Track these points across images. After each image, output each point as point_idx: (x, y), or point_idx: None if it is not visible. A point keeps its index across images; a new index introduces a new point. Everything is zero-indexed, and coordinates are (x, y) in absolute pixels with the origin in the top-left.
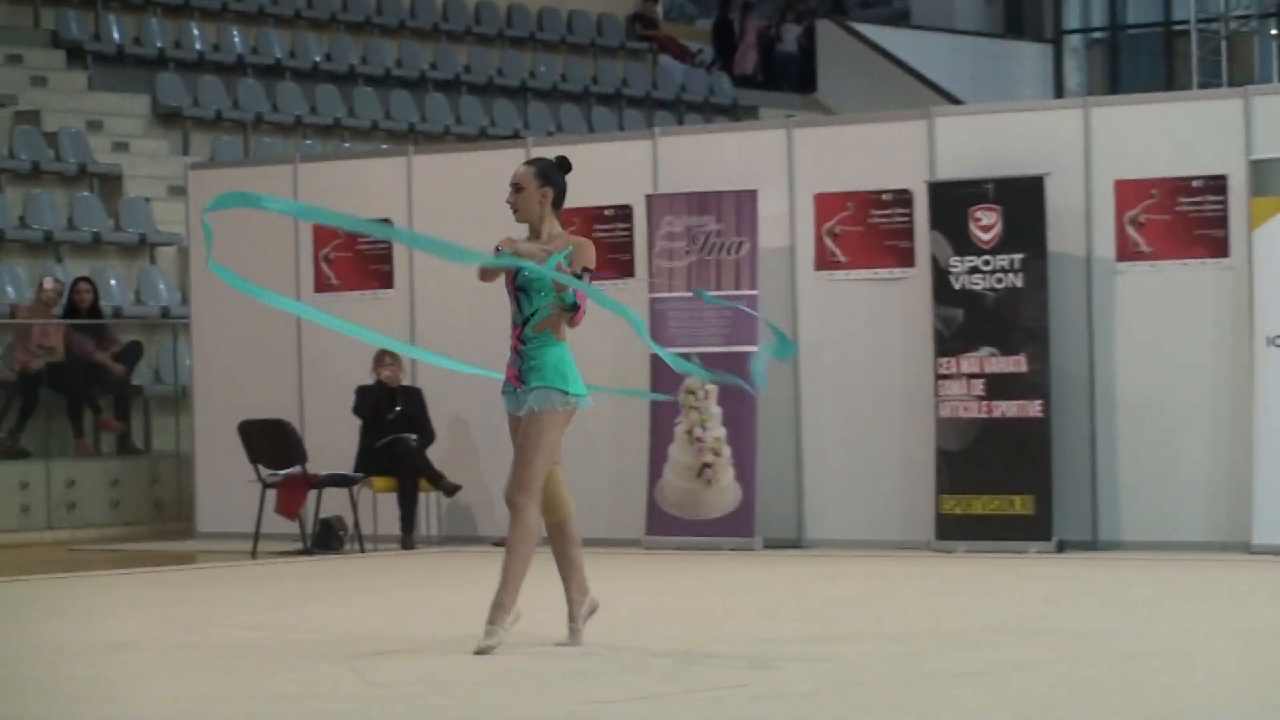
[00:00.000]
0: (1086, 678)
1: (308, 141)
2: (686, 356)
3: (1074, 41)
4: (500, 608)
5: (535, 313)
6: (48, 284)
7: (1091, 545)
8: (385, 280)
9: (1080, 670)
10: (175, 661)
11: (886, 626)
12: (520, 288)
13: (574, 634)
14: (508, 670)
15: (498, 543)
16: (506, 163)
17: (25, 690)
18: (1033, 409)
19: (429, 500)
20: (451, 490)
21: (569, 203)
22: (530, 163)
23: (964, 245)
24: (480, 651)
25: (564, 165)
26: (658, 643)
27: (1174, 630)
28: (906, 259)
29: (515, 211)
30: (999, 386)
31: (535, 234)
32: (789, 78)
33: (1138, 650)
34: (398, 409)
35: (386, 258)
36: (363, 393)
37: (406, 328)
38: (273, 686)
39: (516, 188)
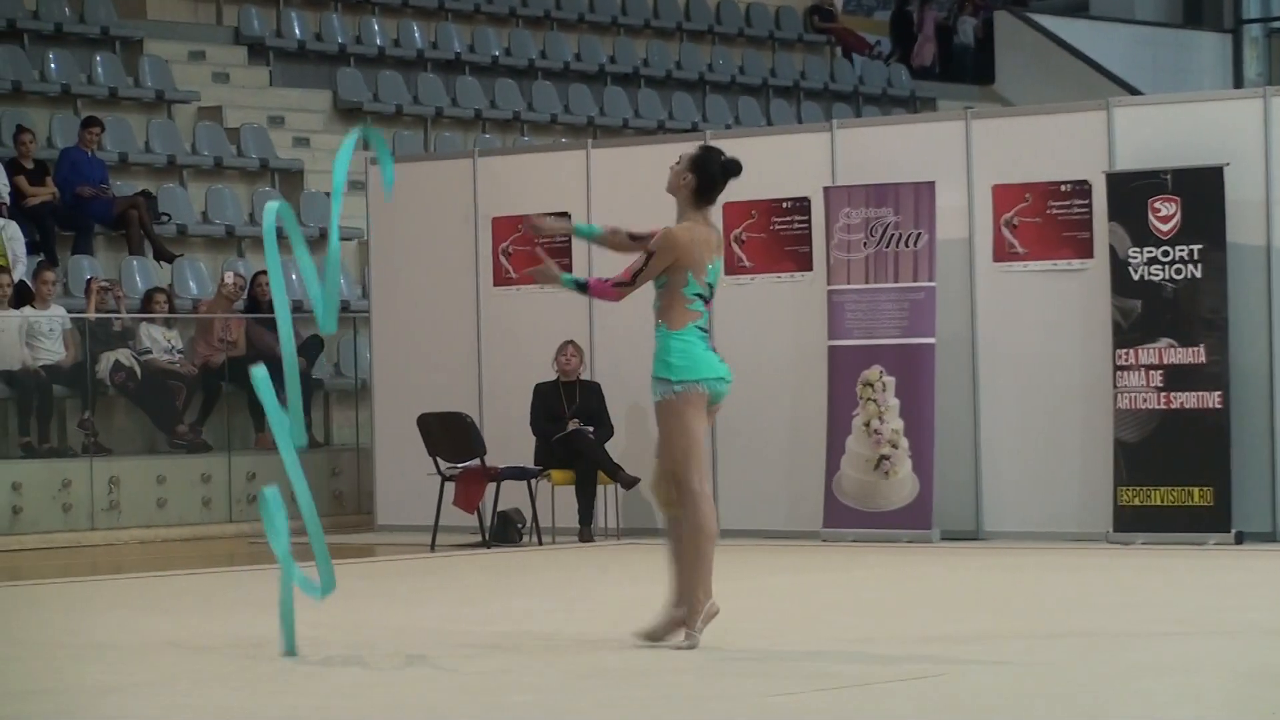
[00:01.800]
0: (1273, 668)
1: (487, 135)
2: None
3: (1254, 31)
4: (695, 604)
5: (655, 303)
6: (229, 278)
7: (1271, 537)
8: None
9: (1266, 661)
10: (357, 652)
11: (1072, 619)
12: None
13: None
14: (692, 662)
15: None
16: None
17: (215, 682)
18: (1211, 400)
19: (607, 493)
20: (630, 483)
21: (746, 195)
22: (703, 147)
23: (1142, 236)
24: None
25: (728, 166)
26: (836, 634)
27: None
28: (1085, 250)
29: (669, 183)
30: (1178, 378)
31: (679, 213)
32: (967, 69)
33: None
34: (576, 405)
35: (565, 251)
36: (539, 395)
37: (585, 321)
38: (453, 679)
39: (677, 160)
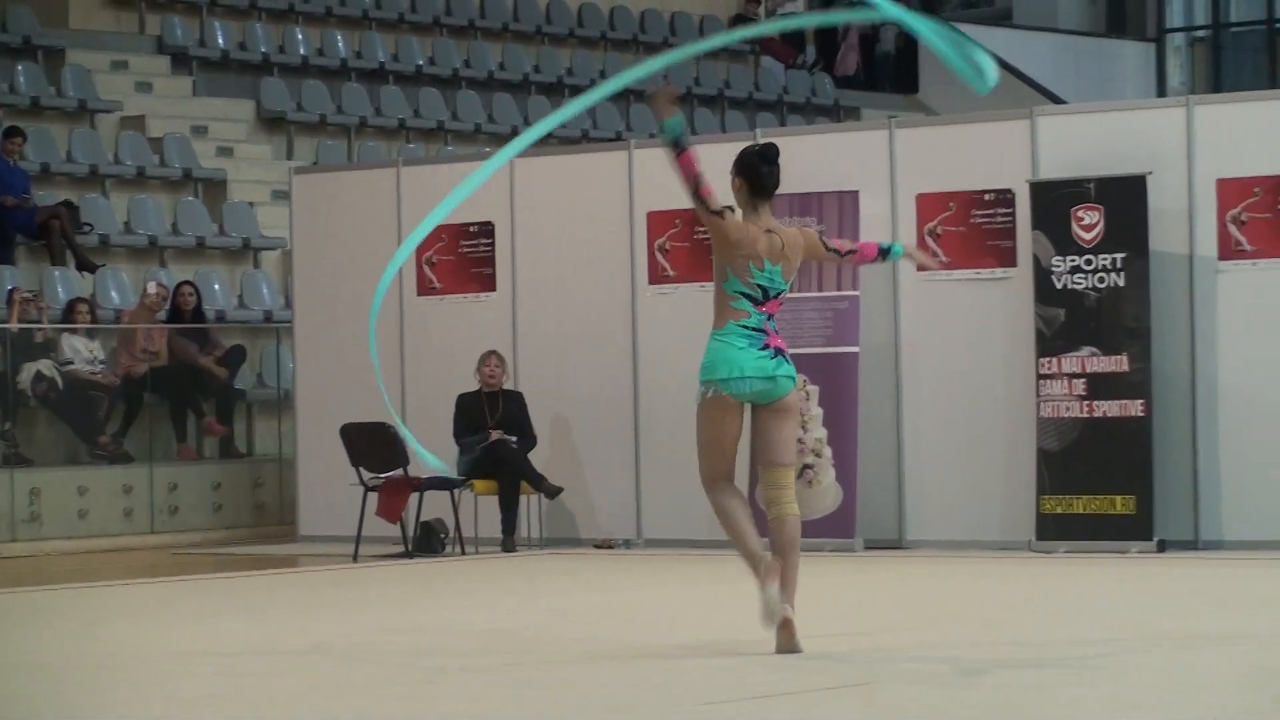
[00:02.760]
0: (1201, 677)
1: (410, 145)
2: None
3: (1177, 40)
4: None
5: None
6: (151, 289)
7: (1193, 545)
8: (487, 283)
9: (1196, 671)
10: (283, 664)
11: (994, 626)
12: None
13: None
14: (636, 673)
15: (599, 545)
16: (608, 165)
17: (137, 693)
18: (1134, 409)
19: (530, 503)
20: (553, 493)
21: (671, 205)
22: (742, 150)
23: (1066, 245)
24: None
25: (763, 153)
26: (757, 644)
27: None
28: (1008, 259)
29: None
30: (1100, 386)
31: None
32: (891, 78)
33: (1249, 650)
34: (498, 415)
35: (489, 260)
36: (461, 405)
37: (508, 331)
38: (377, 690)
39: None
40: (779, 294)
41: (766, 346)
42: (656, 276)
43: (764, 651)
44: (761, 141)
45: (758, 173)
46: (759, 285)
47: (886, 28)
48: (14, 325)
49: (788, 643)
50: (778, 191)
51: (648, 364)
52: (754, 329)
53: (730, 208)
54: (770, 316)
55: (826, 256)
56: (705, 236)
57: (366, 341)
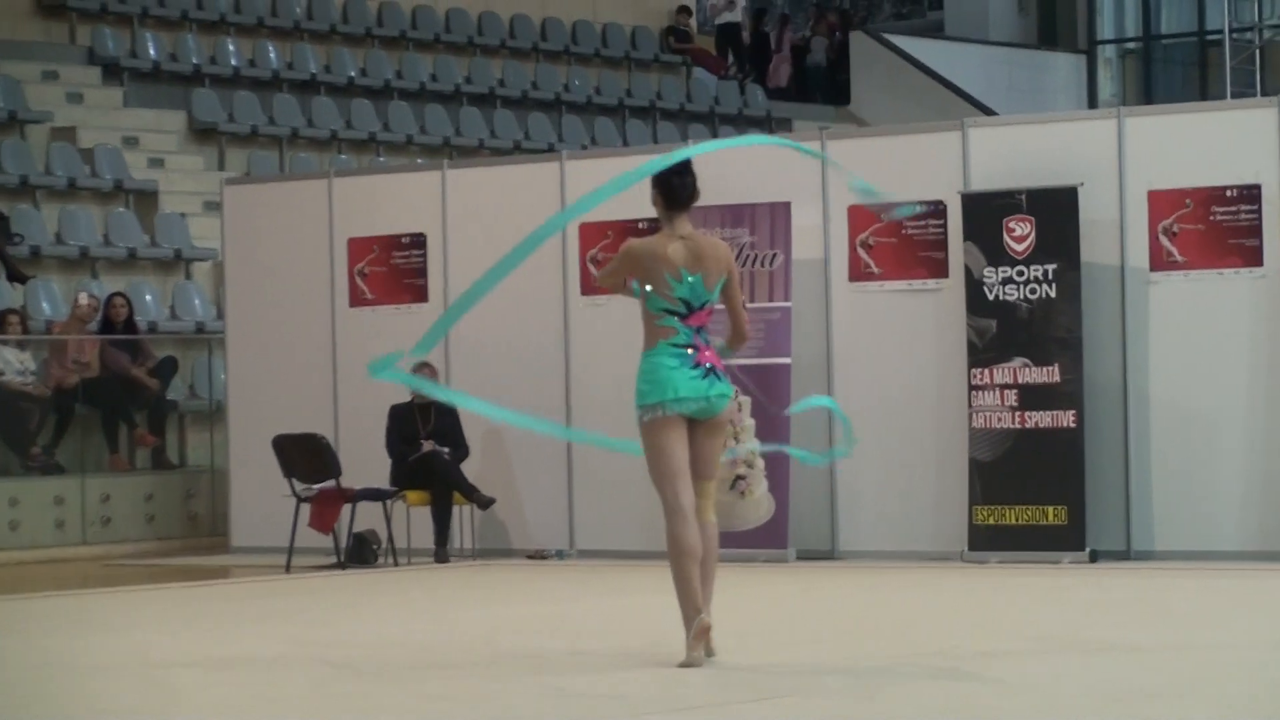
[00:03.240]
0: (1134, 687)
1: (342, 156)
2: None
3: (1107, 52)
4: (685, 623)
5: None
6: (83, 300)
7: (1125, 555)
8: (420, 294)
9: (1126, 681)
10: (212, 676)
11: (928, 638)
12: None
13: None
14: (564, 683)
15: (532, 556)
16: (541, 176)
17: (63, 705)
18: (1066, 419)
19: (463, 514)
20: (485, 504)
21: (599, 216)
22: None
23: (997, 256)
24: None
25: (680, 168)
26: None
27: (1216, 640)
28: (940, 270)
29: None
30: (1032, 397)
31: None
32: (822, 90)
33: (1181, 660)
34: (431, 426)
35: (421, 272)
36: (394, 416)
37: (440, 342)
38: (305, 700)
39: None
40: (705, 304)
41: (698, 364)
42: (589, 288)
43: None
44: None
45: (669, 184)
46: (681, 299)
47: (818, 39)
48: None
49: (704, 649)
50: (710, 202)
51: (580, 375)
52: (684, 345)
53: (613, 274)
54: (700, 329)
55: (735, 295)
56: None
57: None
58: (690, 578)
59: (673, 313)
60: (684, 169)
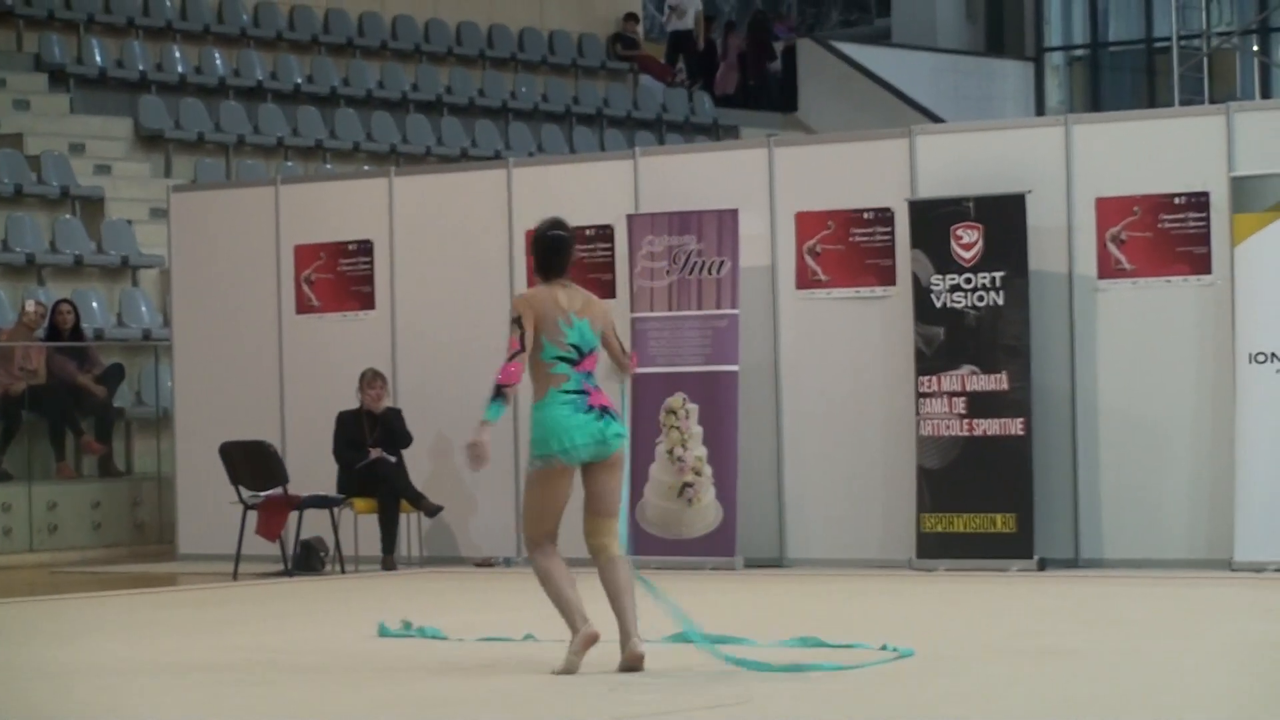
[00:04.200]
0: (1081, 695)
1: (289, 163)
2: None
3: (1055, 59)
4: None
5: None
6: (30, 306)
7: (1073, 563)
8: (367, 301)
9: (1074, 688)
10: (160, 683)
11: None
12: None
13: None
14: (506, 692)
15: (480, 563)
16: (487, 183)
17: (9, 713)
18: (1014, 427)
19: (410, 521)
20: (433, 511)
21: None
22: (539, 225)
23: (945, 263)
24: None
25: (555, 243)
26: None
27: (1163, 648)
28: (888, 277)
29: None
30: (980, 404)
31: None
32: (770, 97)
33: (1129, 668)
34: (378, 433)
35: (368, 279)
36: (342, 422)
37: (388, 349)
38: (253, 706)
39: None
40: (592, 350)
41: (591, 407)
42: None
43: (643, 671)
44: (548, 223)
45: (544, 255)
46: (573, 345)
47: (772, 47)
48: None
49: (583, 658)
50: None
51: (525, 383)
52: (575, 391)
53: (516, 321)
54: (589, 374)
55: (612, 341)
56: (586, 254)
57: None
58: (566, 597)
59: (565, 359)
60: (558, 227)
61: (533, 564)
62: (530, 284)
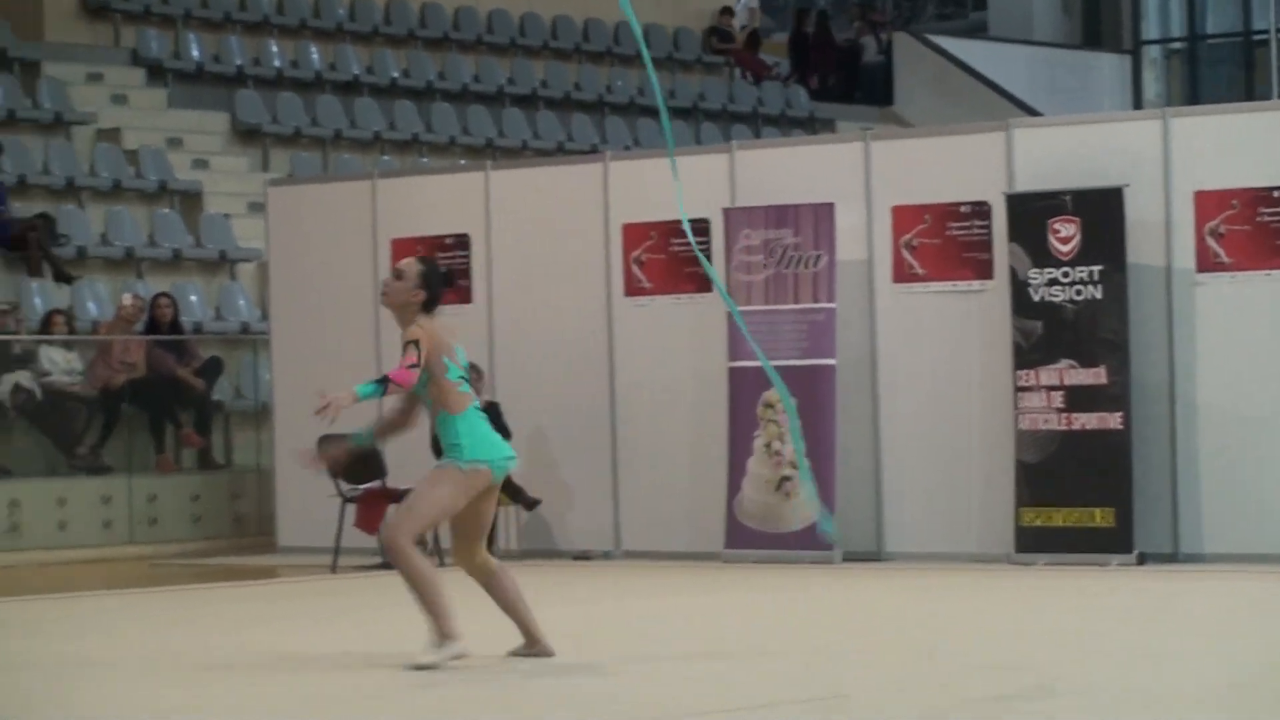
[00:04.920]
0: (1169, 692)
1: (385, 157)
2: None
3: (1153, 52)
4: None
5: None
6: (128, 300)
7: (1173, 558)
8: (463, 295)
9: (1161, 685)
10: (258, 675)
11: (975, 642)
12: None
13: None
14: (613, 684)
15: (577, 556)
16: (584, 177)
17: (109, 702)
18: (1113, 421)
19: (508, 514)
20: (531, 504)
21: (645, 216)
22: (421, 260)
23: (1042, 257)
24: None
25: (448, 280)
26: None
27: (1254, 646)
28: (985, 271)
29: (384, 295)
30: (1079, 398)
31: (400, 322)
32: (866, 90)
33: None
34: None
35: (464, 273)
36: None
37: (485, 343)
38: (349, 699)
39: (397, 274)
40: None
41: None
42: (632, 289)
43: (741, 661)
44: (430, 259)
45: (440, 295)
46: (464, 365)
47: (863, 40)
48: None
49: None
50: (753, 203)
51: (624, 376)
52: (480, 410)
53: (415, 342)
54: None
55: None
56: (682, 248)
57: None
58: (444, 594)
59: (465, 379)
60: (450, 282)
61: (408, 560)
62: (627, 276)
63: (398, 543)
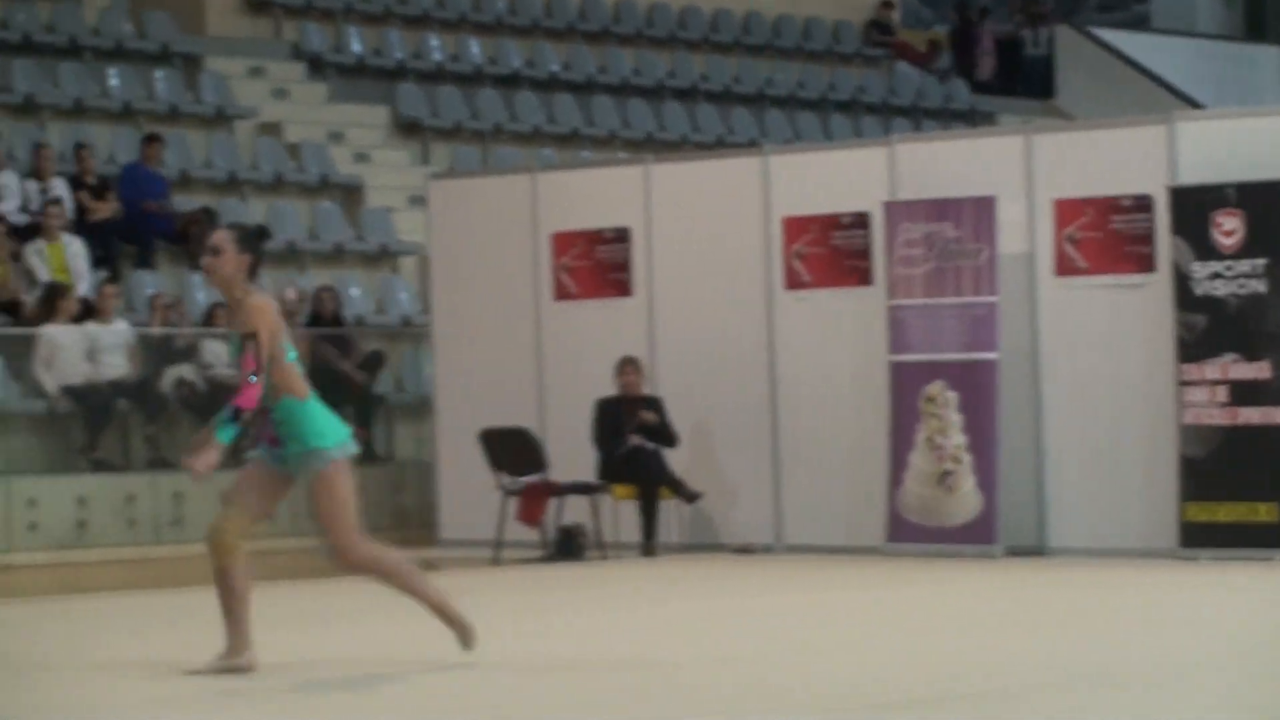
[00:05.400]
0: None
1: (546, 151)
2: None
3: None
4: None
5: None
6: (290, 294)
7: None
8: (624, 289)
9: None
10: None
11: (1138, 638)
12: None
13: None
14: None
15: (739, 549)
16: (744, 171)
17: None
18: (1277, 416)
19: (671, 509)
20: (692, 498)
21: (806, 209)
22: (230, 227)
23: (1206, 250)
24: None
25: (263, 234)
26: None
27: None
28: (1147, 264)
29: (209, 274)
30: (1243, 393)
31: (228, 298)
32: (1027, 83)
33: None
34: (637, 420)
35: (625, 266)
36: (602, 409)
37: (645, 336)
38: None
39: (214, 251)
40: None
41: None
42: (793, 282)
43: (903, 653)
44: (255, 224)
45: (261, 253)
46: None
47: (1024, 33)
48: (156, 329)
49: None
50: (913, 197)
51: (785, 370)
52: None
53: (254, 338)
54: None
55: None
56: (844, 242)
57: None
58: (427, 579)
59: (298, 360)
60: (266, 235)
61: (378, 562)
62: (787, 270)
63: (357, 558)
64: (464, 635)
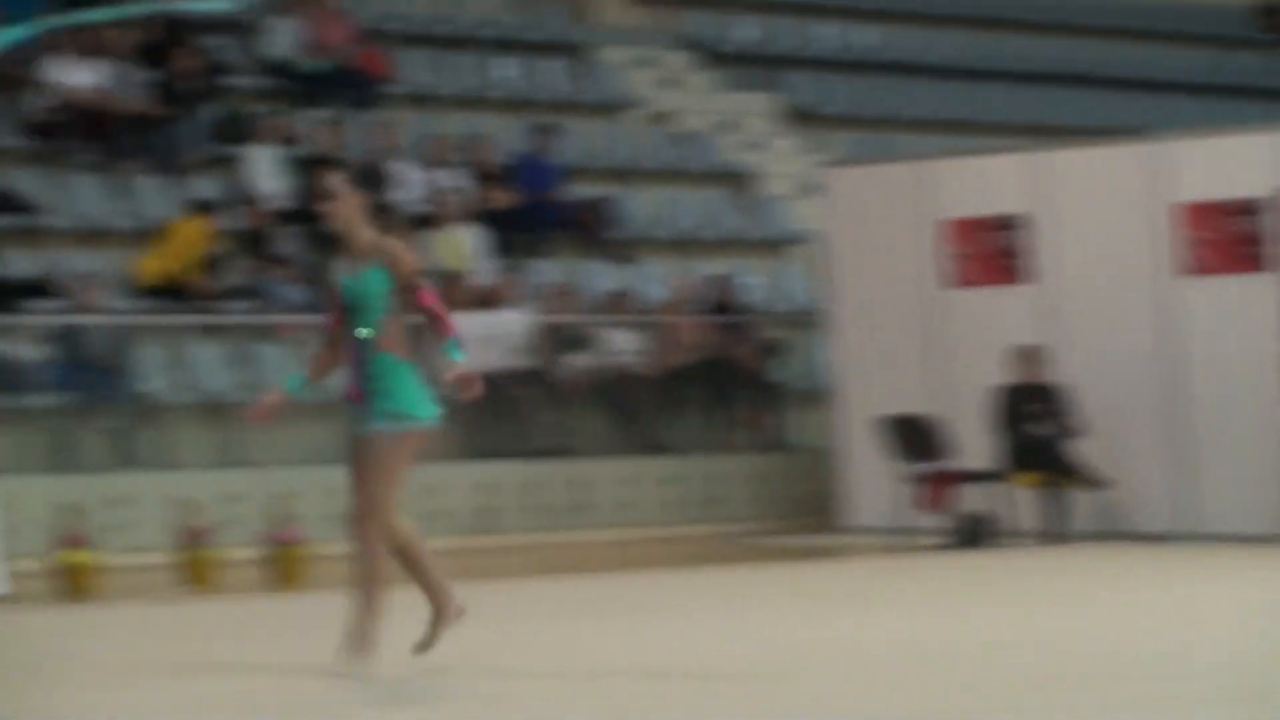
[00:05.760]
0: None
1: (936, 138)
2: None
3: None
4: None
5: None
6: (686, 282)
7: None
8: (1019, 276)
9: None
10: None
11: None
12: (348, 307)
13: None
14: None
15: (1151, 538)
16: (1140, 158)
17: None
18: None
19: (1078, 496)
20: (1097, 485)
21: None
22: (339, 169)
23: None
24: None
25: (374, 174)
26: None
27: None
28: None
29: (331, 219)
30: None
31: (353, 241)
32: None
33: None
34: (1037, 408)
35: (1020, 254)
36: (999, 396)
37: (1041, 323)
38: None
39: (329, 194)
40: None
41: None
42: (1193, 268)
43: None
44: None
45: (375, 190)
46: None
47: None
48: (553, 317)
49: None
50: None
51: (1191, 355)
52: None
53: (410, 275)
54: None
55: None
56: (1237, 229)
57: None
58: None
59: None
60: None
61: (403, 543)
62: (1186, 255)
63: (378, 528)
64: (433, 637)
